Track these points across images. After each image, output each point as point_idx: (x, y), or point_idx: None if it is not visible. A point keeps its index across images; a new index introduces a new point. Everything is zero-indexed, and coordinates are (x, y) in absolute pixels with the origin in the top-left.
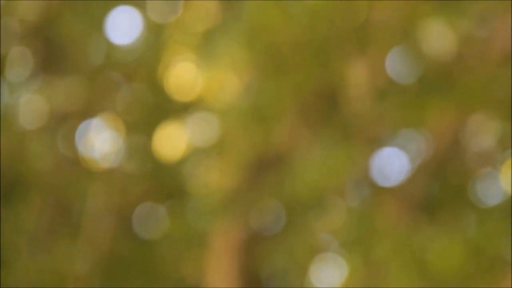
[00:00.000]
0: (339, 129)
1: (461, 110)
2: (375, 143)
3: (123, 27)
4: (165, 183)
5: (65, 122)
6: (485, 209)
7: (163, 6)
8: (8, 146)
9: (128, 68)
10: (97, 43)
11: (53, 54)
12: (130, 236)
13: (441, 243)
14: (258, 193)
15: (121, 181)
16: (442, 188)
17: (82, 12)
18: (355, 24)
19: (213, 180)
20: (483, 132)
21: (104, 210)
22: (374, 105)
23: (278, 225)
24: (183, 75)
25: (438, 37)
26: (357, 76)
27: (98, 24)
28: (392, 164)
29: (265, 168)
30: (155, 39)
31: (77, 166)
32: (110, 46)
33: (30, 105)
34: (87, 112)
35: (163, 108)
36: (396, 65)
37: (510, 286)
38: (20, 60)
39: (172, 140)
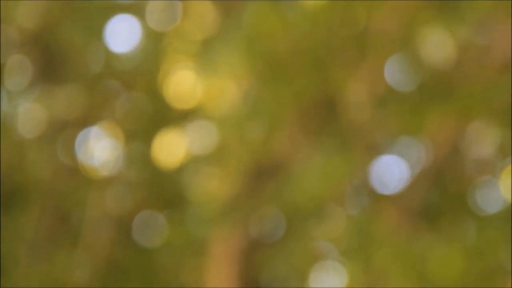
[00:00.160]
0: (339, 137)
1: (461, 118)
2: (375, 150)
3: (122, 35)
4: (164, 191)
5: (64, 130)
6: (485, 216)
7: (162, 14)
8: (7, 155)
9: (127, 76)
10: (96, 51)
11: (52, 63)
12: (130, 244)
13: (441, 250)
14: (257, 201)
15: (120, 189)
16: (441, 196)
17: (81, 20)
18: (354, 32)
19: (212, 187)
20: (482, 140)
21: (103, 218)
22: (373, 113)
23: (277, 233)
24: (182, 83)
25: (438, 44)
26: (356, 84)
27: (97, 32)
28: (392, 171)
29: (264, 176)
30: (154, 47)
31: (76, 174)
32: (109, 54)
33: (29, 114)
34: (86, 120)
35: (162, 116)
36: (395, 72)
37: None
38: (19, 68)
39: (171, 148)
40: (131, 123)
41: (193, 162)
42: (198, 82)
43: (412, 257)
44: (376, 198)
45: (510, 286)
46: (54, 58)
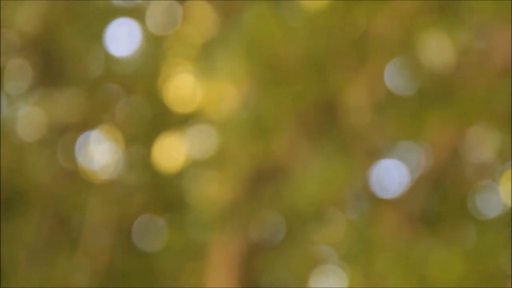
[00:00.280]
0: (338, 141)
1: (461, 122)
2: (375, 155)
3: (122, 39)
4: (164, 195)
5: (64, 134)
6: (485, 221)
7: (162, 18)
8: (7, 159)
9: (127, 80)
10: (96, 55)
11: (52, 66)
12: (130, 248)
13: (441, 255)
14: (257, 205)
15: (120, 193)
16: (441, 200)
17: (81, 24)
18: (354, 36)
19: (212, 192)
20: (482, 144)
21: (103, 222)
22: (373, 117)
23: (277, 237)
24: (182, 87)
25: (437, 48)
26: (356, 88)
27: (97, 36)
28: (392, 176)
29: (264, 180)
30: (154, 51)
31: (76, 178)
32: (109, 58)
33: (29, 117)
34: (86, 124)
35: (162, 120)
36: (395, 77)
37: None
38: (19, 72)
39: (171, 152)
40: (131, 127)
41: (193, 166)
42: (198, 86)
43: (412, 261)
44: (376, 202)
45: None
46: (54, 62)
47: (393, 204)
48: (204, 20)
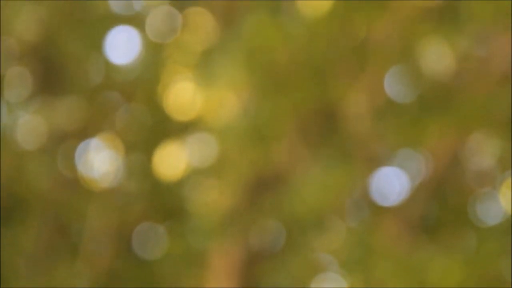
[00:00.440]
0: (338, 149)
1: (461, 130)
2: (374, 162)
3: (122, 47)
4: (164, 202)
5: (64, 142)
6: (485, 228)
7: (162, 26)
8: (7, 167)
9: (127, 88)
10: (96, 63)
11: (52, 74)
12: (130, 255)
13: (441, 262)
14: (257, 213)
15: (120, 200)
16: (441, 208)
17: (81, 32)
18: (353, 43)
19: (212, 199)
20: (482, 152)
21: (103, 230)
22: (373, 125)
23: (277, 245)
24: (182, 94)
25: (437, 56)
26: (356, 95)
27: (97, 44)
28: (392, 183)
29: (264, 188)
30: (154, 58)
31: (76, 186)
32: (109, 66)
33: (29, 125)
34: (86, 132)
35: (162, 127)
36: (395, 84)
37: None
38: (19, 80)
39: (171, 160)
40: (131, 135)
41: (193, 174)
42: (198, 94)
43: (412, 269)
44: (376, 210)
45: None
46: (54, 70)
47: (393, 212)
48: (204, 27)
